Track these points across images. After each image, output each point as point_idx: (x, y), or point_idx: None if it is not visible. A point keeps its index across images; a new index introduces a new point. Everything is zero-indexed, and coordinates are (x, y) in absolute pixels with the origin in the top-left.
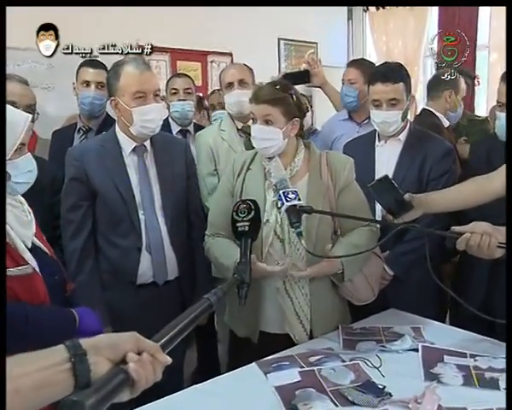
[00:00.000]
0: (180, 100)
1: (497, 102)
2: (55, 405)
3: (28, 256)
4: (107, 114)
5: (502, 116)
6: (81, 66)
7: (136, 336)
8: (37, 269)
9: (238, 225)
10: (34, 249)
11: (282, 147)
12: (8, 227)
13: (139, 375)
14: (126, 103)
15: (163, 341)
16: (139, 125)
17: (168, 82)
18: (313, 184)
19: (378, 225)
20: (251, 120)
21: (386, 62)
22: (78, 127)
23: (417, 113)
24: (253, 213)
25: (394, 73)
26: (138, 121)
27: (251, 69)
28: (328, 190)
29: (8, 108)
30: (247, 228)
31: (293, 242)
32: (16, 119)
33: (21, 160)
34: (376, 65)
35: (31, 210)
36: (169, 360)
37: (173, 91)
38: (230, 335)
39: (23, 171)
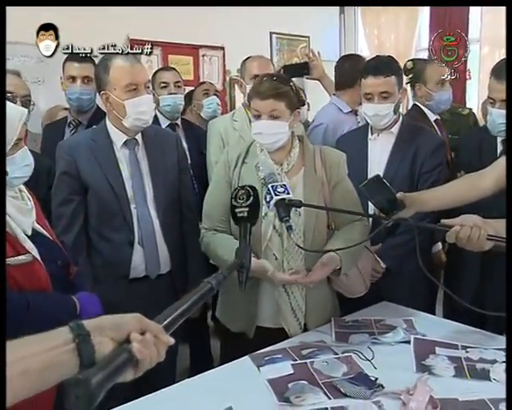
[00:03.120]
0: (171, 94)
1: (488, 97)
2: (56, 386)
3: (29, 245)
4: (97, 107)
5: (493, 111)
6: (66, 60)
7: (140, 317)
8: (38, 257)
9: (237, 210)
10: (36, 236)
11: (286, 139)
12: (8, 217)
13: (143, 354)
14: (118, 96)
15: (165, 322)
16: (133, 117)
17: (155, 76)
18: (309, 179)
19: (369, 220)
20: (252, 117)
21: (377, 56)
22: (68, 121)
23: (409, 106)
24: (251, 198)
25: (386, 66)
26: (132, 113)
27: (273, 64)
28: (323, 185)
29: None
30: (246, 214)
31: (292, 236)
32: (12, 114)
33: (18, 154)
34: (369, 59)
35: (31, 197)
36: (172, 340)
37: (163, 85)
38: (223, 331)
39: (20, 165)
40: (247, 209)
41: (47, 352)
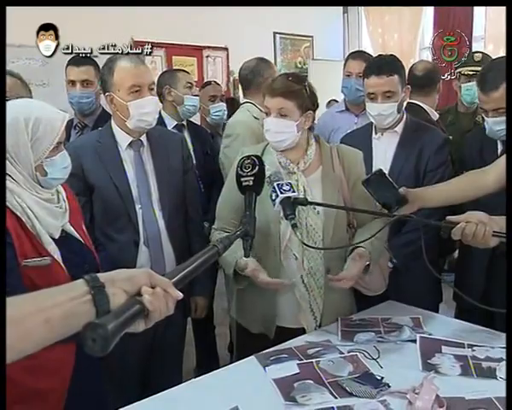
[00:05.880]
0: (194, 95)
1: (480, 108)
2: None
3: (51, 248)
4: (103, 109)
5: (489, 121)
6: (68, 64)
7: (150, 272)
8: (60, 260)
9: (242, 179)
10: (65, 238)
11: (296, 140)
12: (35, 219)
13: (153, 306)
14: (122, 98)
15: (174, 280)
16: (136, 118)
17: (177, 76)
18: (327, 177)
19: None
20: (264, 114)
21: (380, 55)
22: (74, 124)
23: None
24: (257, 168)
25: (388, 65)
26: (135, 115)
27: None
28: (342, 183)
29: (47, 106)
30: (251, 182)
31: (311, 235)
32: (55, 117)
33: (59, 156)
34: (372, 58)
35: (66, 199)
36: (180, 294)
37: (189, 85)
38: (238, 332)
39: (60, 167)
40: (252, 178)
41: (66, 303)
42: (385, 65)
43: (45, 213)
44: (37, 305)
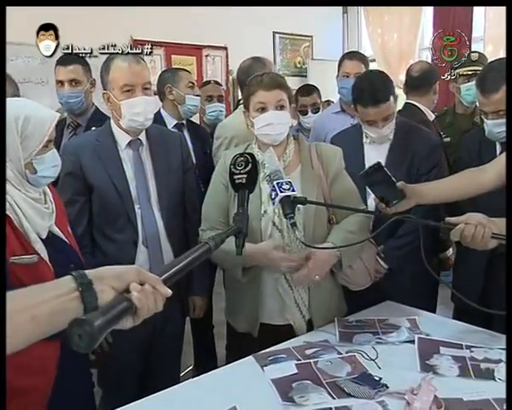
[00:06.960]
0: (196, 95)
1: (479, 109)
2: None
3: (39, 246)
4: (96, 108)
5: (489, 123)
6: (56, 64)
7: (139, 269)
8: (47, 259)
9: (236, 177)
10: (51, 238)
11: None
12: (23, 218)
13: (142, 303)
14: (116, 96)
15: (163, 277)
16: (128, 118)
17: (180, 75)
18: (306, 175)
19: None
20: (255, 112)
21: (369, 78)
22: (67, 123)
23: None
24: (250, 165)
25: (382, 91)
26: (127, 114)
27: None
28: (321, 180)
29: (37, 105)
30: (244, 180)
31: (292, 231)
32: (45, 116)
33: (48, 155)
34: (360, 82)
35: (53, 201)
36: (169, 292)
37: (190, 85)
38: (229, 331)
39: (49, 165)
40: (245, 176)
41: (53, 300)
42: (379, 92)
43: (33, 212)
44: (25, 302)
